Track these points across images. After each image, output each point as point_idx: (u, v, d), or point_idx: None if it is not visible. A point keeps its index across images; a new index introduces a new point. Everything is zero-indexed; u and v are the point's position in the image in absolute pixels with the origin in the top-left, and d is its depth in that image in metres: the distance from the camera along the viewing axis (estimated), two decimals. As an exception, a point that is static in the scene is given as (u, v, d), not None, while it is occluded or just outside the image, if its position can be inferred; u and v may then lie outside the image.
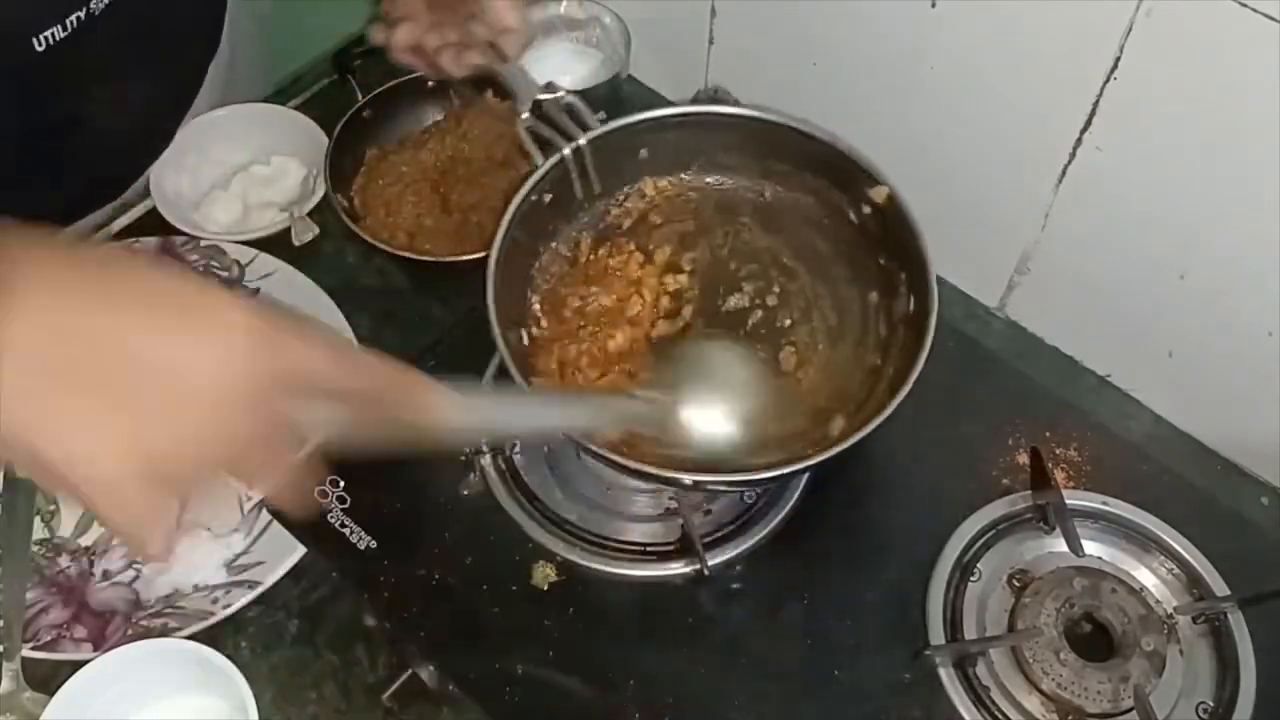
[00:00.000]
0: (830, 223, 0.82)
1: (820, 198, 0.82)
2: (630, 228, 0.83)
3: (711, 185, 0.84)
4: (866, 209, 0.78)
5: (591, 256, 0.81)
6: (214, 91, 1.03)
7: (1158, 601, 0.72)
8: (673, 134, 0.81)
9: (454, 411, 0.54)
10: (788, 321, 0.79)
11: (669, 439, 0.72)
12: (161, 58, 0.94)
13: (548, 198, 0.77)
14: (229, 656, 0.68)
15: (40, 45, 0.79)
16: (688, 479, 0.67)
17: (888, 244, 0.77)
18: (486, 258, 0.72)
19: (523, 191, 0.74)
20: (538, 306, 0.78)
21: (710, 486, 0.71)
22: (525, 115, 0.77)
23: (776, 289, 0.80)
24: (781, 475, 0.65)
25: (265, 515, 0.80)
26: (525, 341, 0.76)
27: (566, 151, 0.76)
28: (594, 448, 0.65)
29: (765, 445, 0.73)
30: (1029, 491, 0.77)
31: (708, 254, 0.82)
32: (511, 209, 0.74)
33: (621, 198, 0.84)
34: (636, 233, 0.83)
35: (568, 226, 0.82)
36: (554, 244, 0.81)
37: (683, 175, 0.84)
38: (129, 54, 0.88)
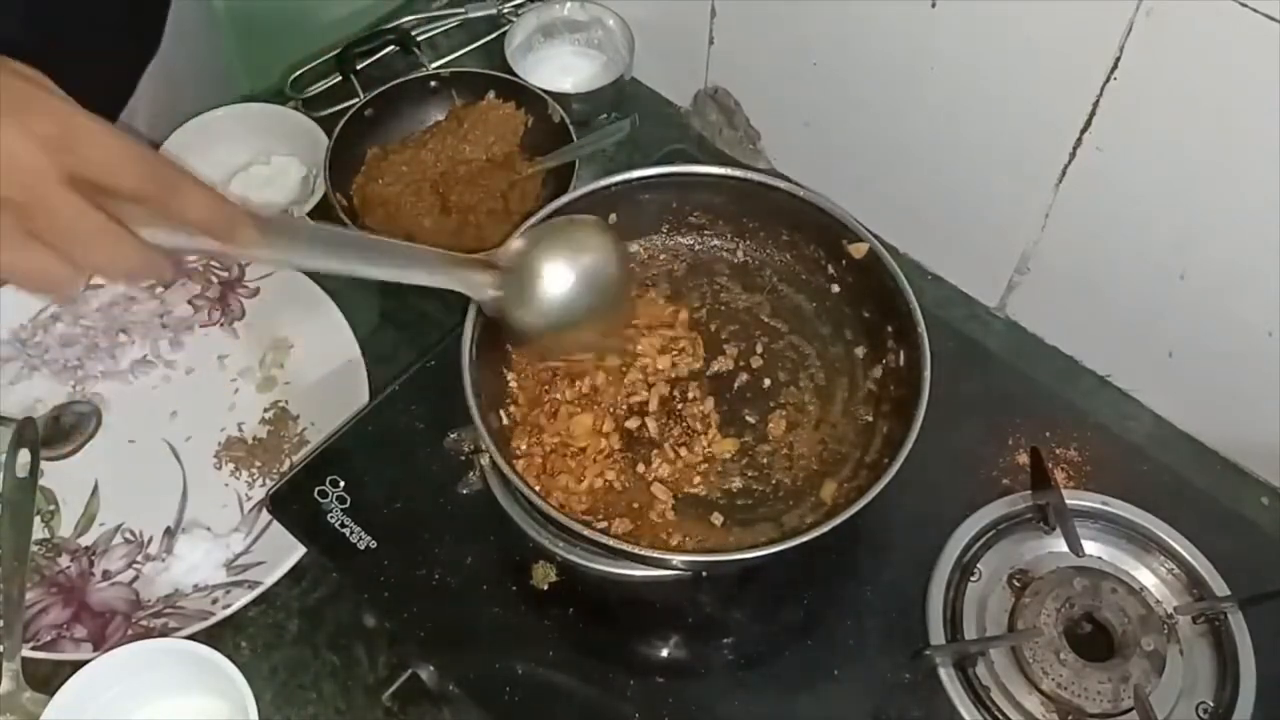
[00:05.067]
0: (809, 278, 0.81)
1: (797, 254, 0.82)
2: None
3: (684, 246, 0.84)
4: (845, 263, 0.78)
5: None
6: (156, 101, 1.00)
7: (1158, 601, 0.72)
8: (642, 196, 0.80)
9: (258, 237, 0.56)
10: (775, 383, 0.78)
11: (513, 314, 0.68)
12: (88, 57, 0.88)
13: None
14: (229, 656, 0.68)
15: None
16: (679, 560, 0.67)
17: (871, 297, 0.77)
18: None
19: None
20: (514, 384, 0.77)
21: (704, 569, 0.70)
22: None
23: (760, 349, 0.80)
24: (776, 552, 0.65)
25: (265, 515, 0.80)
26: (506, 422, 0.75)
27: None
28: (587, 533, 0.65)
29: (756, 517, 0.73)
30: (1029, 491, 0.77)
31: (686, 316, 0.81)
32: None
33: None
34: None
35: None
36: None
37: (654, 237, 0.84)
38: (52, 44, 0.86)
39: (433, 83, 1.00)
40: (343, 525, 0.75)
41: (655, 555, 0.66)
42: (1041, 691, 0.69)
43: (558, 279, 0.68)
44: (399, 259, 0.66)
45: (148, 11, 0.98)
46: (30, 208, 0.49)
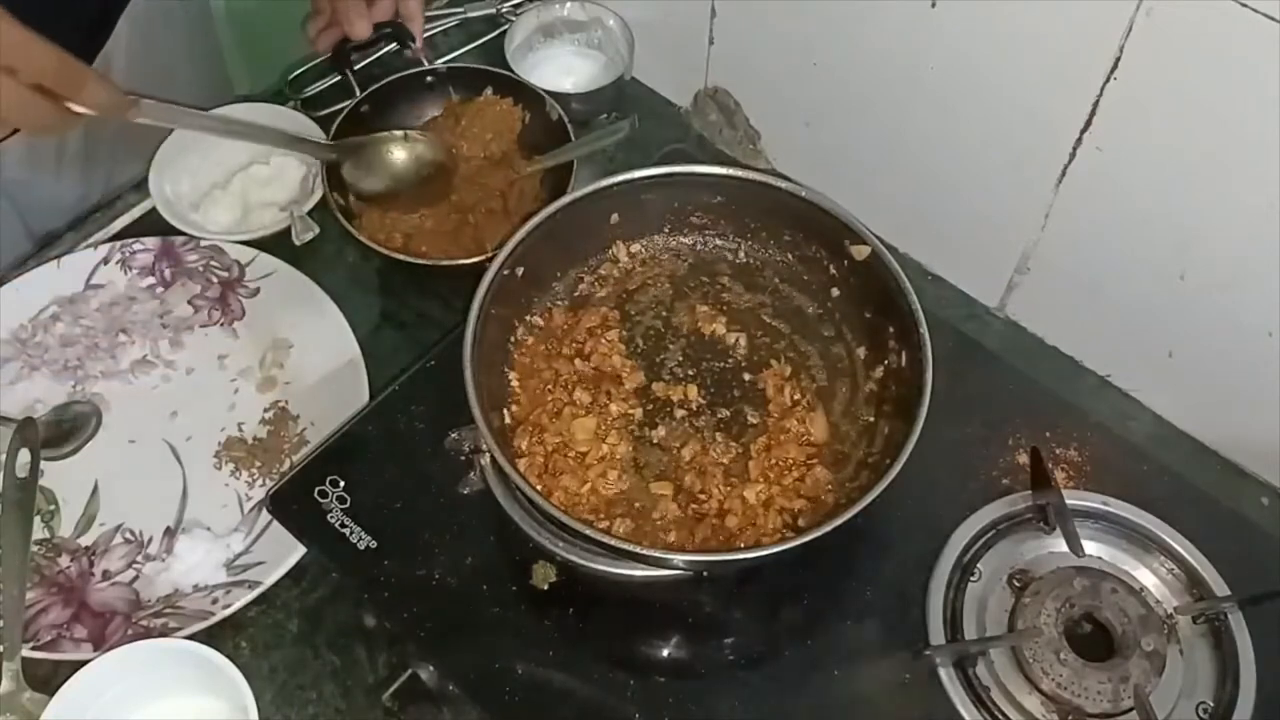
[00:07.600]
0: (811, 279, 0.82)
1: (799, 254, 0.82)
2: (605, 296, 0.82)
3: (686, 246, 0.84)
4: (847, 264, 0.78)
5: (566, 327, 0.80)
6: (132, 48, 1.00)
7: (1158, 601, 0.73)
8: (643, 196, 0.80)
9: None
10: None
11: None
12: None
13: (520, 270, 0.76)
14: (229, 656, 0.68)
15: None
16: (679, 560, 0.67)
17: (873, 298, 0.77)
18: (481, 266, 0.71)
19: (494, 267, 0.73)
20: (516, 384, 0.78)
21: (704, 568, 0.70)
22: None
23: (762, 350, 0.80)
24: (776, 553, 0.65)
25: (265, 515, 0.80)
26: (507, 421, 0.76)
27: None
28: (589, 533, 0.65)
29: (756, 517, 0.73)
30: (1029, 491, 0.77)
31: (688, 316, 0.81)
32: (484, 285, 0.72)
33: (594, 264, 0.83)
34: (611, 300, 0.82)
35: (541, 298, 0.81)
36: (529, 317, 0.80)
37: (655, 237, 0.84)
38: None
39: (429, 78, 1.00)
40: (343, 525, 0.75)
41: (656, 555, 0.66)
42: (1041, 691, 0.69)
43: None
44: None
45: None
46: None
